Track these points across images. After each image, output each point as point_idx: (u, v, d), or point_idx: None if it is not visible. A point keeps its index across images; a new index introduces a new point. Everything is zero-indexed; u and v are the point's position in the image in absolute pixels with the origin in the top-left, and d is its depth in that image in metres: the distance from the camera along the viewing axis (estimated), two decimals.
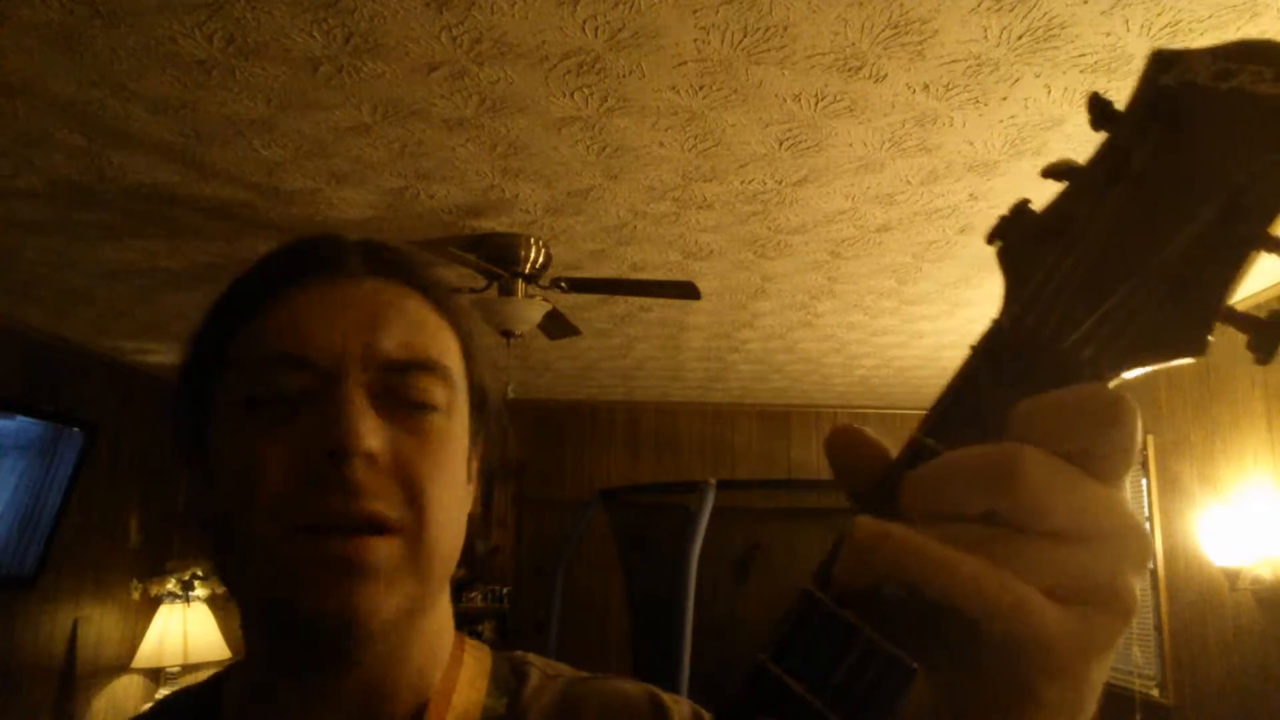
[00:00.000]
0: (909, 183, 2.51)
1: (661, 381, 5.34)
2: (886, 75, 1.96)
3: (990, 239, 0.37)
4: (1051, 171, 0.37)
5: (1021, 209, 0.37)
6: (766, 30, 1.80)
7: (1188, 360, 0.33)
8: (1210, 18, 1.75)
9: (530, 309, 3.12)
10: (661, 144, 2.31)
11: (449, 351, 0.58)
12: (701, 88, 2.03)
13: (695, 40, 1.84)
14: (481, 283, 3.13)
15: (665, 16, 1.77)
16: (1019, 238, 0.36)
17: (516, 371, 4.92)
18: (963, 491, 0.31)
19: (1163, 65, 0.36)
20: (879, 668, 0.31)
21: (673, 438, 6.00)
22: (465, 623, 6.70)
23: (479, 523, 0.67)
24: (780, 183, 2.53)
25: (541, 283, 3.15)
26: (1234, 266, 0.33)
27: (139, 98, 2.09)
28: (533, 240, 2.98)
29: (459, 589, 6.66)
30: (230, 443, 0.54)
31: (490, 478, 0.66)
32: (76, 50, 1.89)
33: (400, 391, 0.54)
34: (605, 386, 5.53)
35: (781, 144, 2.30)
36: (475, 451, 0.62)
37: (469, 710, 0.59)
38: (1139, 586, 0.32)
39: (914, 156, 2.35)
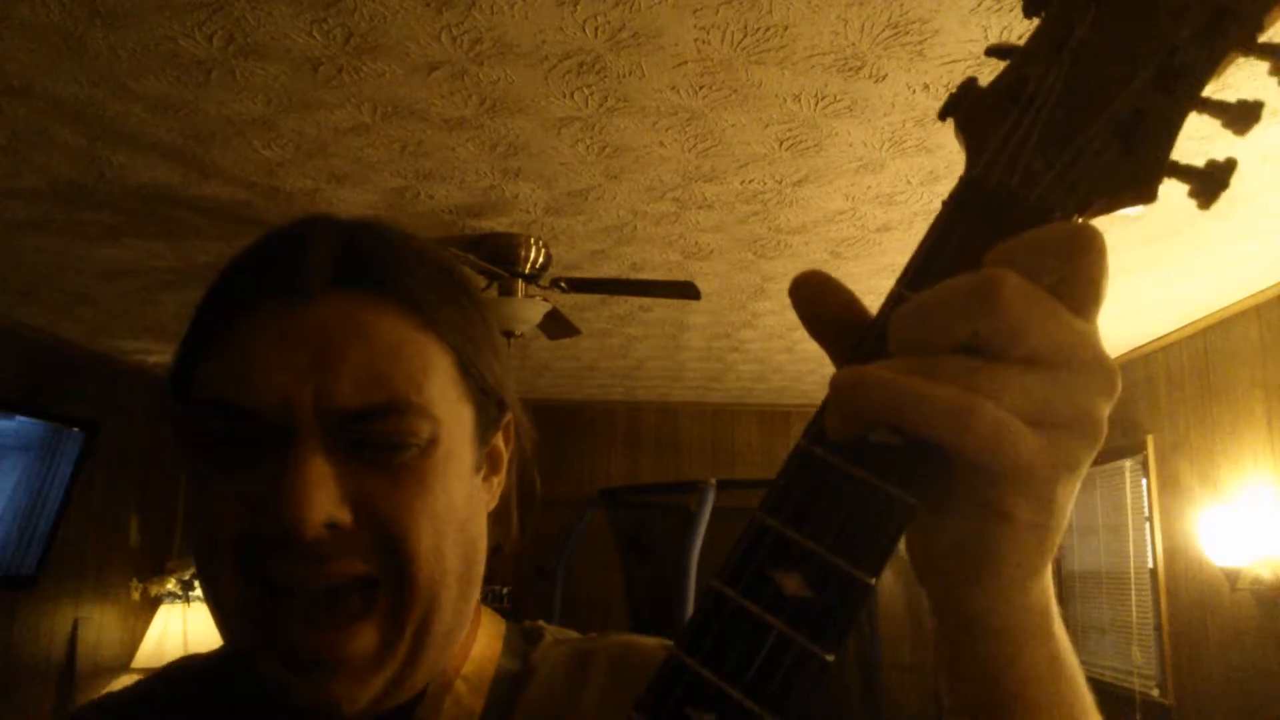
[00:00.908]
0: (909, 183, 2.51)
1: (661, 381, 5.34)
2: (886, 75, 1.96)
3: (942, 114, 0.40)
4: (994, 50, 0.40)
5: (970, 84, 0.40)
6: (766, 30, 1.81)
7: (1141, 206, 0.37)
8: None
9: (530, 309, 3.12)
10: (661, 144, 2.31)
11: (430, 373, 0.52)
12: (701, 88, 2.03)
13: (695, 40, 1.84)
14: (481, 283, 3.13)
15: (665, 16, 1.77)
16: (973, 107, 0.39)
17: (516, 371, 4.92)
18: (946, 318, 0.32)
19: None
20: (877, 508, 0.33)
21: (673, 438, 6.00)
22: None
23: (513, 504, 0.66)
24: (780, 183, 2.53)
25: (541, 283, 3.15)
26: (1173, 122, 0.36)
27: (139, 98, 2.09)
28: (533, 240, 2.98)
29: None
30: (194, 479, 0.51)
31: (527, 459, 0.66)
32: (76, 50, 1.89)
33: (366, 437, 0.49)
34: (605, 386, 5.53)
35: (781, 144, 2.30)
36: (492, 444, 0.60)
37: (484, 666, 0.60)
38: (1106, 415, 0.33)
39: (914, 156, 2.35)
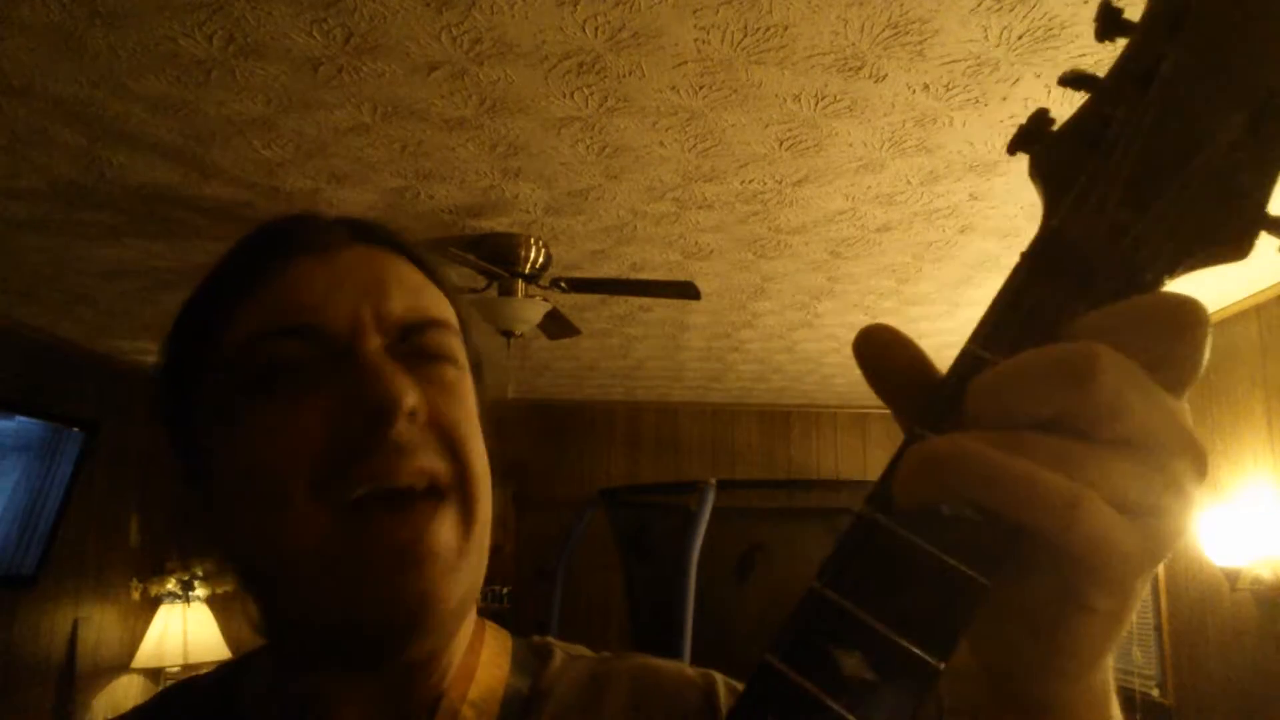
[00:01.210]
0: (909, 183, 2.51)
1: (661, 381, 5.34)
2: (886, 75, 1.96)
3: (1012, 149, 0.37)
4: (1069, 79, 0.37)
5: (1043, 117, 0.36)
6: (766, 30, 1.80)
7: (1236, 260, 0.34)
8: None
9: (530, 309, 3.12)
10: (661, 144, 2.31)
11: (449, 309, 0.57)
12: (701, 88, 2.03)
13: (695, 40, 1.84)
14: (481, 283, 3.13)
15: (665, 16, 1.77)
16: (1049, 146, 0.36)
17: (516, 371, 4.92)
18: (1034, 392, 0.30)
19: None
20: (947, 588, 0.30)
21: (673, 438, 6.00)
22: None
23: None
24: (780, 183, 2.53)
25: (541, 283, 3.15)
26: (1270, 170, 0.33)
27: (139, 98, 2.09)
28: (533, 240, 2.98)
29: None
30: (243, 431, 0.50)
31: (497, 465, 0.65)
32: (76, 50, 1.89)
33: (418, 348, 0.53)
34: (605, 386, 5.53)
35: (781, 144, 2.30)
36: (487, 431, 0.60)
37: (492, 688, 0.57)
38: (1196, 501, 0.31)
39: (914, 156, 2.35)
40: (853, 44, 1.85)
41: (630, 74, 1.98)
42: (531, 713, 0.57)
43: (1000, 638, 0.34)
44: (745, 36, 1.83)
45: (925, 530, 0.31)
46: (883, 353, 0.35)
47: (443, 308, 0.57)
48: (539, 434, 5.88)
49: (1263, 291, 3.36)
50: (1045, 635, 0.33)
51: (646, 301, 3.63)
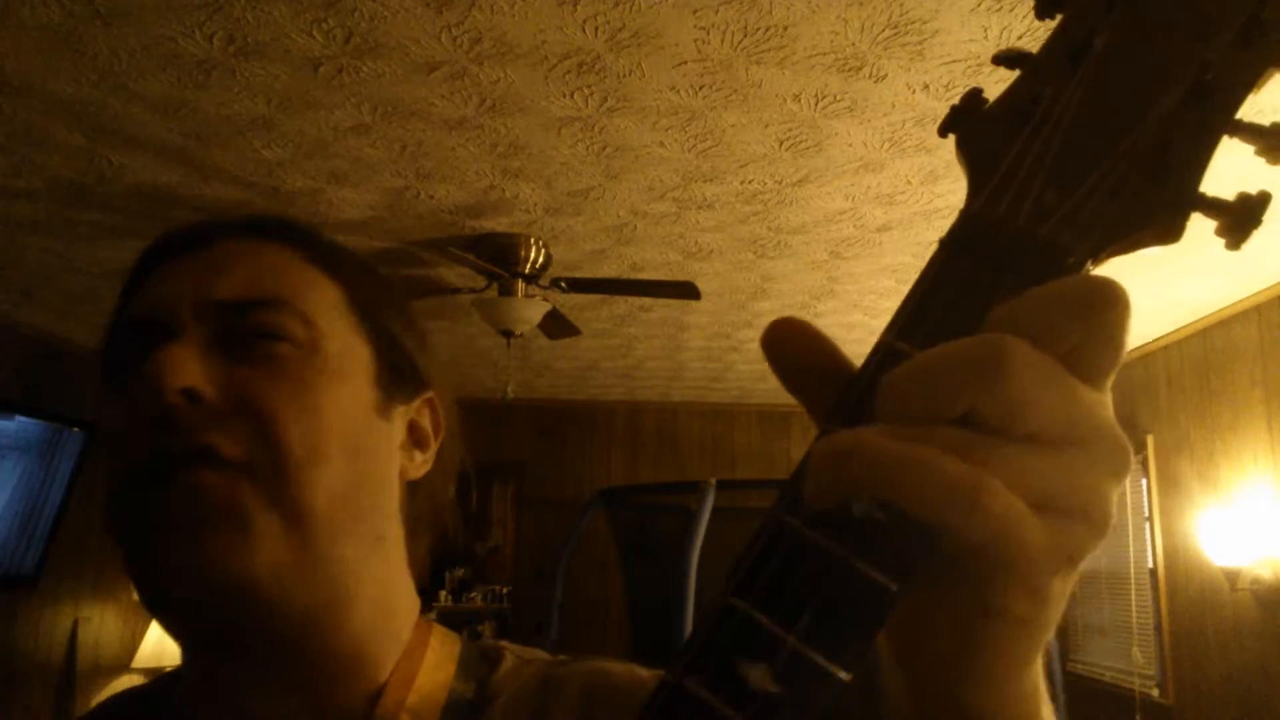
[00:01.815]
0: (909, 183, 2.51)
1: (661, 381, 5.35)
2: (886, 75, 1.96)
3: (943, 131, 0.35)
4: (1002, 58, 0.36)
5: (975, 96, 0.35)
6: (766, 30, 1.80)
7: (1164, 245, 0.32)
8: None
9: (530, 309, 3.12)
10: (661, 144, 2.31)
11: (312, 291, 0.55)
12: (701, 88, 2.03)
13: (695, 40, 1.84)
14: (481, 283, 3.13)
15: (665, 16, 1.77)
16: (978, 125, 0.35)
17: (516, 371, 4.92)
18: (944, 387, 0.28)
19: None
20: (855, 593, 0.29)
21: (673, 438, 6.00)
22: (465, 623, 6.69)
23: (453, 504, 0.63)
24: (780, 183, 2.53)
25: (541, 283, 3.15)
26: (1204, 149, 0.32)
27: (139, 98, 2.09)
28: (533, 240, 2.98)
29: (459, 589, 6.65)
30: (105, 418, 0.54)
31: (461, 463, 0.63)
32: (76, 50, 1.89)
33: (243, 328, 0.52)
34: (605, 386, 5.53)
35: (781, 144, 2.30)
36: (409, 413, 0.59)
37: (433, 693, 0.55)
38: (1114, 500, 0.30)
39: (914, 156, 2.35)
40: (853, 44, 1.85)
41: (630, 74, 1.98)
42: (476, 717, 0.55)
43: (915, 644, 0.33)
44: (745, 36, 1.83)
45: (834, 533, 0.29)
46: (793, 348, 0.34)
47: (295, 289, 0.55)
48: (539, 434, 5.88)
49: (1263, 291, 3.36)
50: (956, 642, 0.31)
51: (646, 301, 3.63)
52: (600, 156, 2.39)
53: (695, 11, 1.75)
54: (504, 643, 0.62)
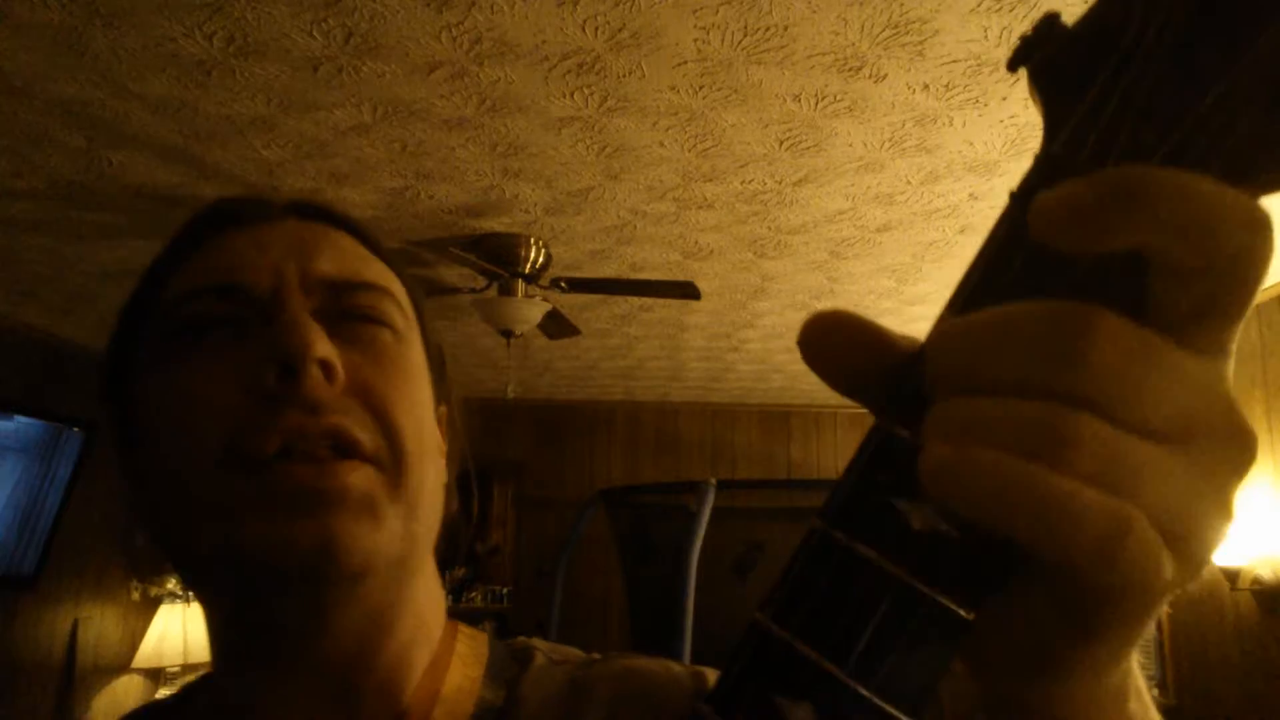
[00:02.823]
0: (909, 183, 2.51)
1: (661, 381, 5.34)
2: (886, 75, 1.96)
3: (1011, 65, 0.29)
4: None
5: (1052, 21, 0.28)
6: (766, 30, 1.80)
7: None
8: None
9: (530, 309, 3.12)
10: (661, 144, 2.31)
11: (393, 282, 0.54)
12: (701, 88, 2.03)
13: (695, 40, 1.84)
14: (481, 283, 3.13)
15: (665, 16, 1.77)
16: (1055, 53, 0.28)
17: (516, 371, 4.92)
18: (1010, 360, 0.23)
19: None
20: (919, 622, 0.24)
21: (673, 438, 6.00)
22: (465, 623, 6.70)
23: (458, 512, 0.61)
24: (780, 183, 2.53)
25: (541, 283, 3.15)
26: None
27: (139, 98, 2.09)
28: (533, 240, 2.98)
29: (459, 589, 6.65)
30: (162, 387, 0.48)
31: (465, 470, 0.61)
32: (76, 50, 1.89)
33: (347, 309, 0.50)
34: (605, 386, 5.53)
35: (781, 144, 2.30)
36: (441, 415, 0.57)
37: (460, 701, 0.52)
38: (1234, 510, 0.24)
39: (914, 156, 2.35)
40: (853, 44, 1.85)
41: (630, 74, 1.98)
42: None
43: (985, 652, 0.28)
44: (745, 36, 1.83)
45: (892, 549, 0.25)
46: (828, 347, 0.28)
47: (381, 275, 0.54)
48: (539, 434, 5.88)
49: (1263, 291, 3.35)
50: (1043, 656, 0.27)
51: (646, 301, 3.63)
52: (600, 156, 2.39)
53: (695, 11, 1.75)
54: (535, 641, 0.60)
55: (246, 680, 0.50)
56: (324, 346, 0.46)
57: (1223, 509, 0.24)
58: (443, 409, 0.58)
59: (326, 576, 0.44)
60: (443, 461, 0.56)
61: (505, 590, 5.67)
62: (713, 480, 3.81)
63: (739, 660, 0.26)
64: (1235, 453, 0.24)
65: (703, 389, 5.54)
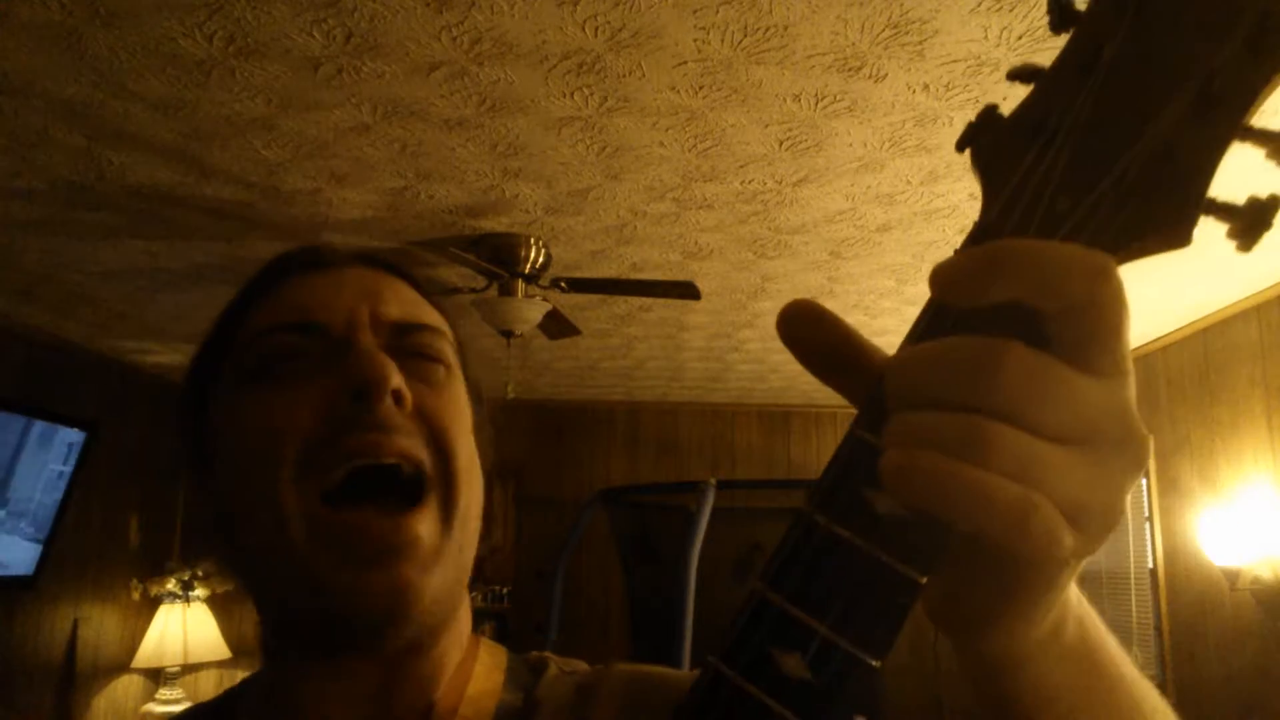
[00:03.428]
0: (909, 183, 2.51)
1: (661, 381, 5.34)
2: (886, 75, 1.96)
3: (960, 146, 0.36)
4: (1016, 74, 0.37)
5: (991, 113, 0.36)
6: (766, 30, 1.80)
7: (1173, 250, 0.33)
8: None
9: (530, 309, 3.12)
10: (661, 144, 2.31)
11: (445, 325, 0.62)
12: (701, 88, 2.03)
13: (695, 40, 1.84)
14: (481, 283, 3.13)
15: (665, 16, 1.77)
16: (993, 140, 0.36)
17: (516, 371, 4.92)
18: (942, 381, 0.30)
19: None
20: (883, 585, 0.31)
21: (673, 438, 5.99)
22: None
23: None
24: (780, 183, 2.53)
25: (541, 283, 3.15)
26: (1211, 155, 0.33)
27: (139, 98, 2.09)
28: (533, 240, 2.98)
29: None
30: (242, 411, 0.54)
31: (490, 480, 0.65)
32: (76, 50, 1.89)
33: (411, 347, 0.57)
34: (605, 386, 5.53)
35: (781, 144, 2.30)
36: (479, 440, 0.62)
37: (484, 703, 0.58)
38: (1128, 493, 0.31)
39: (914, 156, 2.35)
40: (853, 44, 1.85)
41: (630, 74, 1.98)
42: None
43: (944, 610, 0.36)
44: (745, 36, 1.83)
45: (862, 530, 0.31)
46: (800, 329, 0.35)
47: (437, 318, 0.61)
48: (539, 434, 5.87)
49: (1263, 291, 3.36)
50: (986, 611, 0.35)
51: (646, 301, 3.63)
52: (600, 156, 2.39)
53: (695, 11, 1.75)
54: (548, 654, 0.65)
55: (295, 678, 0.55)
56: (397, 377, 0.53)
57: (1116, 497, 0.31)
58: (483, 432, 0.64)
59: (395, 622, 0.50)
60: (482, 481, 0.62)
61: (505, 590, 5.67)
62: (713, 480, 3.81)
63: (740, 620, 0.32)
64: (1129, 453, 0.31)
65: (703, 389, 5.54)
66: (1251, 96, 0.33)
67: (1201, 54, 0.33)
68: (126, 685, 4.70)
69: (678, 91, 2.05)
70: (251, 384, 0.54)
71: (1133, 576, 4.19)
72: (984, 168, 0.35)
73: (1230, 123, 0.33)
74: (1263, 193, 0.32)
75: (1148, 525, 4.11)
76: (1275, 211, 0.32)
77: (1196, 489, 3.74)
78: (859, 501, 0.32)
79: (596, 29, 1.81)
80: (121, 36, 1.85)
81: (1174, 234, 0.33)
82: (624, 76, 1.99)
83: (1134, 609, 4.18)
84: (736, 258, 3.15)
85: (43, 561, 4.02)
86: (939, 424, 0.30)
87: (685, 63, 1.93)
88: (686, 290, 3.06)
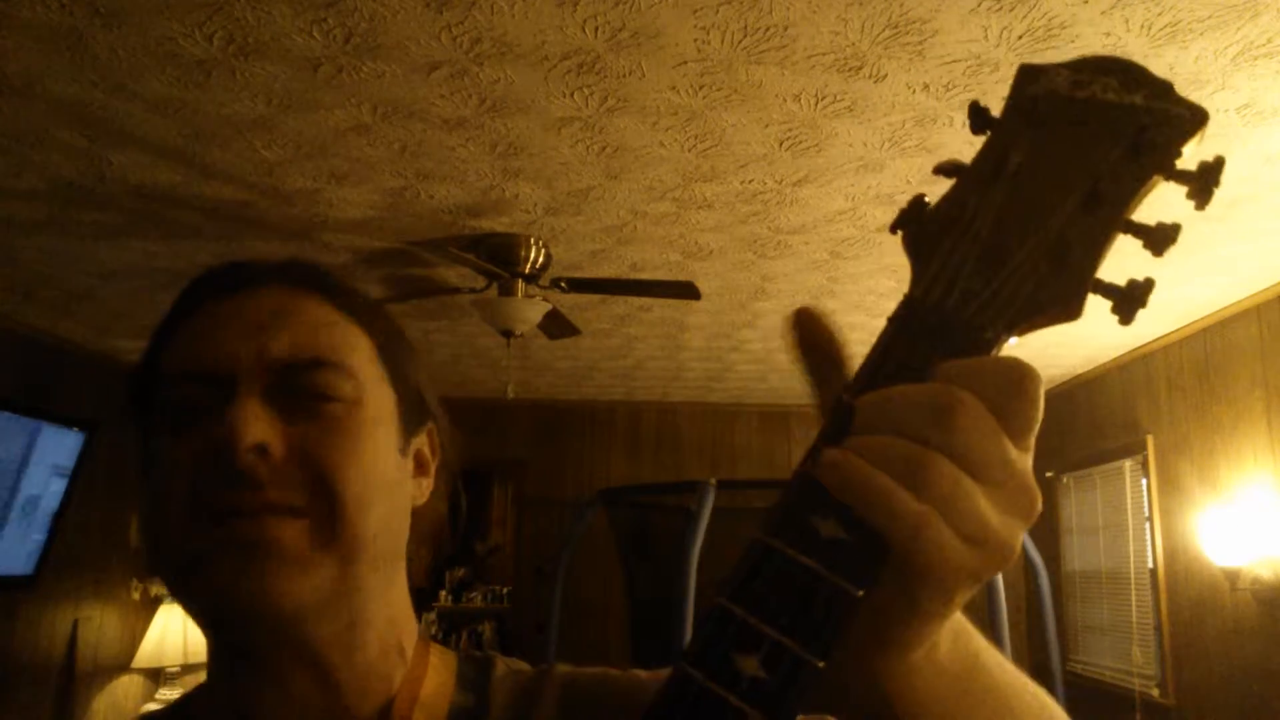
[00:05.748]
0: (909, 183, 2.51)
1: (661, 381, 5.34)
2: (886, 75, 1.96)
3: (893, 229, 0.43)
4: (941, 169, 0.44)
5: (918, 203, 0.43)
6: (766, 30, 1.81)
7: (1067, 323, 0.40)
8: (1210, 17, 1.75)
9: (530, 309, 3.12)
10: (661, 144, 2.31)
11: (354, 349, 0.61)
12: (701, 88, 2.03)
13: (695, 40, 1.85)
14: (481, 283, 3.13)
15: (665, 16, 1.77)
16: (920, 227, 0.42)
17: (516, 371, 4.92)
18: (906, 420, 0.37)
19: (1029, 78, 0.45)
20: (826, 597, 0.36)
21: (673, 438, 5.99)
22: (465, 623, 6.69)
23: (447, 519, 0.69)
24: (780, 183, 2.53)
25: (541, 283, 3.15)
26: (1099, 244, 0.40)
27: (139, 98, 2.09)
28: (533, 240, 2.98)
29: (459, 589, 6.65)
30: (154, 451, 0.57)
31: (453, 476, 0.68)
32: (76, 50, 1.89)
33: (298, 387, 0.57)
34: (605, 386, 5.53)
35: (781, 144, 2.30)
36: (417, 444, 0.64)
37: (436, 704, 0.60)
38: (1020, 542, 0.38)
39: (914, 156, 2.35)
40: (853, 44, 1.85)
41: (630, 74, 1.98)
42: None
43: (858, 640, 0.41)
44: (745, 36, 1.83)
45: (809, 551, 0.37)
46: (814, 331, 0.42)
47: (340, 346, 0.60)
48: (539, 434, 5.87)
49: (1263, 291, 3.36)
50: (884, 626, 0.40)
51: (646, 301, 3.63)
52: (600, 156, 2.39)
53: (695, 11, 1.75)
54: (495, 654, 0.68)
55: (238, 685, 0.58)
56: (256, 432, 0.53)
57: (1013, 534, 0.37)
58: (430, 428, 0.66)
59: (262, 618, 0.53)
60: (425, 481, 0.64)
61: (505, 590, 5.67)
62: (713, 480, 3.81)
63: (705, 628, 0.37)
64: (1024, 501, 0.38)
65: (703, 389, 5.54)
66: (1130, 195, 0.40)
67: (1089, 161, 0.40)
68: (126, 685, 4.70)
69: (678, 91, 2.05)
70: (160, 431, 0.57)
71: (1133, 576, 4.19)
72: (912, 249, 0.42)
73: (1113, 217, 0.40)
74: (1140, 276, 0.39)
75: (1148, 525, 4.10)
76: (1150, 292, 0.39)
77: (1196, 489, 3.74)
78: (806, 527, 0.37)
79: (596, 29, 1.81)
80: (122, 36, 1.85)
81: (1067, 309, 0.39)
82: (624, 76, 1.99)
83: (1134, 609, 4.18)
84: (736, 258, 3.15)
85: (43, 561, 4.02)
86: (893, 444, 0.36)
87: (685, 63, 1.93)
88: (686, 290, 3.06)
